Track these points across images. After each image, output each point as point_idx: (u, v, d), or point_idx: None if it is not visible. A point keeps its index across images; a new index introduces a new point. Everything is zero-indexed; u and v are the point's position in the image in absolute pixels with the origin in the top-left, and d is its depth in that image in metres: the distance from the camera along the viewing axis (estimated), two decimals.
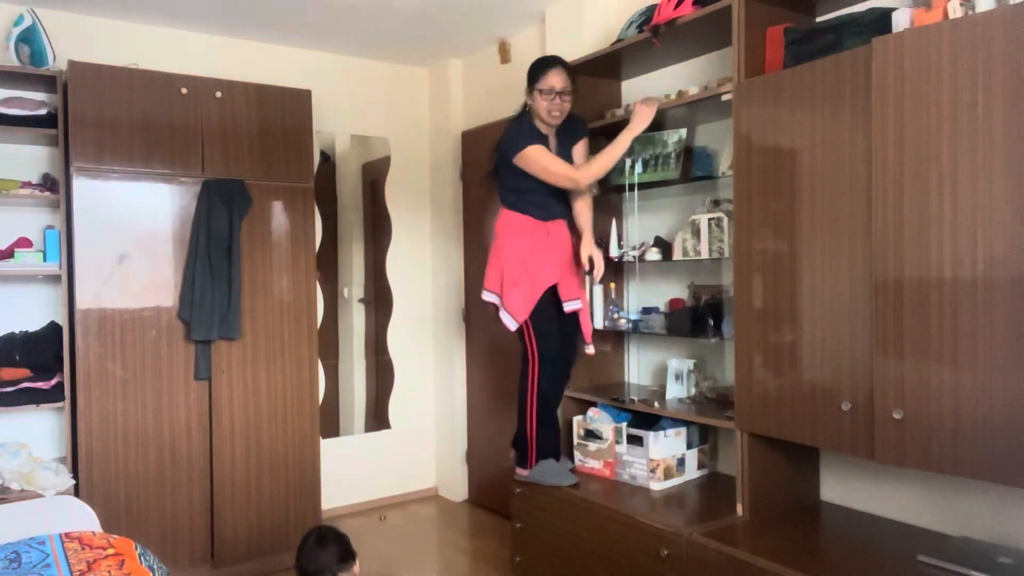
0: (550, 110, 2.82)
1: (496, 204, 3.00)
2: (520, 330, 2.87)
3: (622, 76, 3.33)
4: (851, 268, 2.09)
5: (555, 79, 2.81)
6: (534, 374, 2.86)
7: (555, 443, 2.96)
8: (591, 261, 2.87)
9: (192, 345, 3.35)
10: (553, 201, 2.91)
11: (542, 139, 2.86)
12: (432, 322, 4.73)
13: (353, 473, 4.39)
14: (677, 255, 2.85)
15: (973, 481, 2.15)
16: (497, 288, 2.89)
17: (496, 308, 2.91)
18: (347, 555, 2.42)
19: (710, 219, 2.71)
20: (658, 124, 2.99)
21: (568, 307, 2.91)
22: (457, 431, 4.51)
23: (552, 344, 2.87)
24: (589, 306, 3.10)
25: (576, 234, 2.97)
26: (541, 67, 2.85)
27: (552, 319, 2.88)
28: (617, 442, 2.88)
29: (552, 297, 2.89)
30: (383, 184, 4.60)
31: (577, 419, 3.05)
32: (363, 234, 4.72)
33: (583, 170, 2.81)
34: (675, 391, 2.91)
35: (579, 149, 2.98)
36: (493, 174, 2.98)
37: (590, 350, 2.99)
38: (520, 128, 2.87)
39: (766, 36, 2.45)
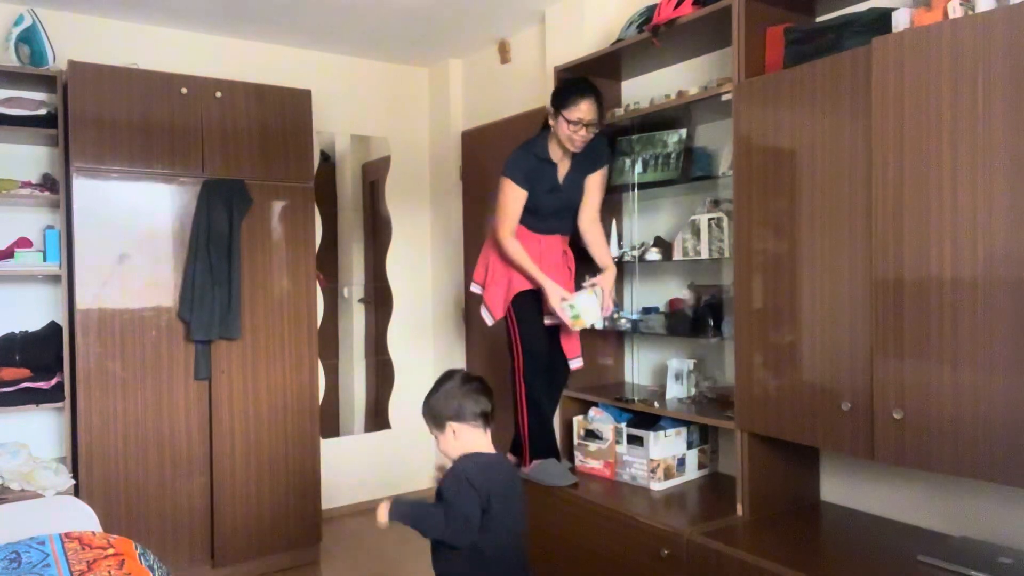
0: (572, 140, 2.68)
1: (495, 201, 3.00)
2: (504, 321, 2.90)
3: (622, 76, 3.33)
4: (851, 268, 2.09)
5: (586, 110, 2.63)
6: (519, 366, 2.86)
7: (551, 441, 2.95)
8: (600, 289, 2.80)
9: (192, 345, 3.34)
10: (553, 220, 2.88)
11: (549, 167, 2.79)
12: (432, 322, 4.73)
13: (353, 473, 4.39)
14: (677, 255, 2.85)
15: (973, 481, 2.14)
16: (482, 280, 2.99)
17: (481, 300, 2.98)
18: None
19: (710, 219, 2.70)
20: (658, 124, 2.99)
21: (547, 320, 2.88)
22: None
23: (536, 336, 2.86)
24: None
25: (575, 250, 2.97)
26: (574, 93, 2.65)
27: (537, 313, 2.87)
28: (617, 442, 2.88)
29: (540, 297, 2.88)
30: (383, 184, 4.60)
31: (577, 419, 3.05)
32: (363, 234, 4.72)
33: (512, 243, 2.74)
34: (675, 391, 2.91)
35: (595, 179, 2.87)
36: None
37: (574, 365, 2.97)
38: (524, 154, 2.79)
39: (766, 36, 2.45)
